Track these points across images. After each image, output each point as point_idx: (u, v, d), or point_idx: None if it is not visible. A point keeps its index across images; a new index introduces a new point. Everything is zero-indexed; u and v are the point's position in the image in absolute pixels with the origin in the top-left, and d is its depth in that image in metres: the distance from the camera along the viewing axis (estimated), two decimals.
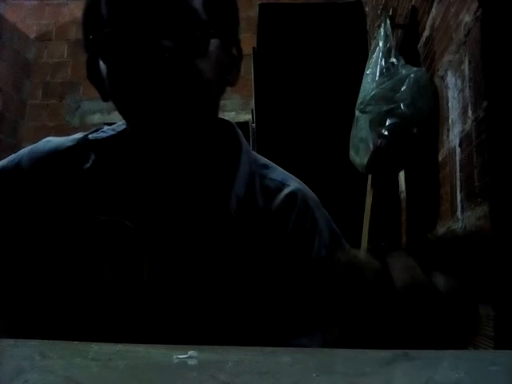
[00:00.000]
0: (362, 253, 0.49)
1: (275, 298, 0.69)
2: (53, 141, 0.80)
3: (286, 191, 0.77)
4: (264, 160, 0.83)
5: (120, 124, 0.79)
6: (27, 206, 0.74)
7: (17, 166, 0.77)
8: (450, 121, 1.60)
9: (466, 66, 1.44)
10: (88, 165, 0.75)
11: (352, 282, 0.47)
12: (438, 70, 1.74)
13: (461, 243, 0.48)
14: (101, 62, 0.71)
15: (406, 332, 0.46)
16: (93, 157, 0.76)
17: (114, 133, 0.79)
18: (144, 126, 0.70)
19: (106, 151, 0.76)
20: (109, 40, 0.68)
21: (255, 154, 0.83)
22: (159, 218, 0.72)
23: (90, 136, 0.79)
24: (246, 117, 4.08)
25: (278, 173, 0.81)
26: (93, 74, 0.75)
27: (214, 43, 0.71)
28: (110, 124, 0.81)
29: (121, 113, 0.73)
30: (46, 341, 0.44)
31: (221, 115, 0.83)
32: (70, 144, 0.78)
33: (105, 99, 0.75)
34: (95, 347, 0.42)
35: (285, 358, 0.41)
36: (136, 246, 0.70)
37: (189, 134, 0.71)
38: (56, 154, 0.77)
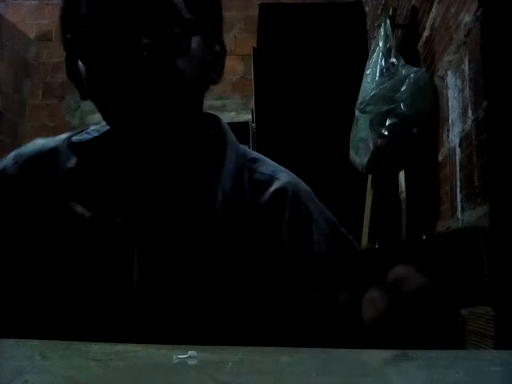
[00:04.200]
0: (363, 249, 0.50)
1: (264, 297, 0.69)
2: (38, 142, 0.80)
3: (275, 185, 0.75)
4: (254, 154, 0.82)
5: (104, 124, 0.78)
6: (15, 208, 0.74)
7: (3, 169, 0.77)
8: (450, 121, 1.60)
9: (466, 66, 1.43)
10: (72, 165, 0.74)
11: (354, 279, 0.47)
12: (438, 70, 1.74)
13: (458, 241, 0.48)
14: (79, 62, 0.70)
15: (404, 331, 0.46)
16: (75, 159, 0.75)
17: (97, 134, 0.78)
18: (124, 126, 0.69)
19: (89, 154, 0.75)
20: (87, 39, 0.67)
21: (244, 147, 0.82)
22: (146, 215, 0.72)
23: (73, 138, 0.78)
24: (246, 117, 4.07)
25: (268, 166, 0.79)
26: (72, 72, 0.74)
27: (195, 41, 0.69)
28: None
29: (101, 112, 0.72)
30: (45, 341, 0.44)
31: (221, 115, 0.83)
32: (53, 145, 0.78)
33: (84, 98, 0.74)
34: (95, 347, 0.42)
35: (285, 358, 0.41)
36: (126, 242, 0.70)
37: (171, 132, 0.70)
38: (40, 155, 0.77)
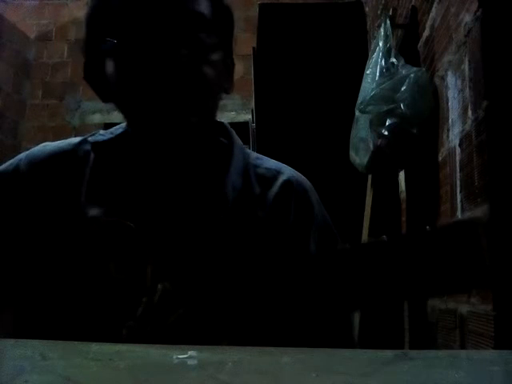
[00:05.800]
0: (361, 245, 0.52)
1: (282, 288, 0.69)
2: (50, 145, 0.82)
3: (281, 178, 0.81)
4: (257, 154, 0.88)
5: (117, 127, 0.81)
6: (29, 208, 0.75)
7: (15, 170, 0.78)
8: (450, 121, 1.60)
9: (466, 66, 1.43)
10: (88, 166, 0.76)
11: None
12: (438, 70, 1.74)
13: (460, 231, 0.49)
14: (107, 66, 0.73)
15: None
16: (92, 158, 0.77)
17: (112, 136, 0.81)
18: (151, 127, 0.72)
19: (105, 153, 0.78)
20: (125, 48, 0.70)
21: (248, 150, 0.87)
22: (160, 217, 0.74)
23: (89, 138, 0.81)
24: (246, 117, 4.07)
25: (272, 163, 0.85)
26: (92, 75, 0.76)
27: (217, 52, 0.75)
28: (110, 124, 0.83)
29: (127, 115, 0.75)
30: (46, 341, 0.44)
31: (221, 115, 0.85)
32: (67, 147, 0.80)
33: (104, 100, 0.77)
34: (95, 347, 0.42)
35: (285, 358, 0.41)
36: (139, 245, 0.71)
37: (191, 137, 0.74)
38: (55, 156, 0.79)
